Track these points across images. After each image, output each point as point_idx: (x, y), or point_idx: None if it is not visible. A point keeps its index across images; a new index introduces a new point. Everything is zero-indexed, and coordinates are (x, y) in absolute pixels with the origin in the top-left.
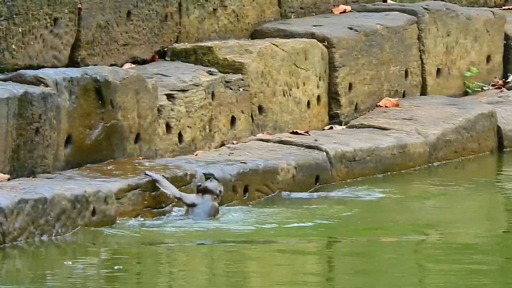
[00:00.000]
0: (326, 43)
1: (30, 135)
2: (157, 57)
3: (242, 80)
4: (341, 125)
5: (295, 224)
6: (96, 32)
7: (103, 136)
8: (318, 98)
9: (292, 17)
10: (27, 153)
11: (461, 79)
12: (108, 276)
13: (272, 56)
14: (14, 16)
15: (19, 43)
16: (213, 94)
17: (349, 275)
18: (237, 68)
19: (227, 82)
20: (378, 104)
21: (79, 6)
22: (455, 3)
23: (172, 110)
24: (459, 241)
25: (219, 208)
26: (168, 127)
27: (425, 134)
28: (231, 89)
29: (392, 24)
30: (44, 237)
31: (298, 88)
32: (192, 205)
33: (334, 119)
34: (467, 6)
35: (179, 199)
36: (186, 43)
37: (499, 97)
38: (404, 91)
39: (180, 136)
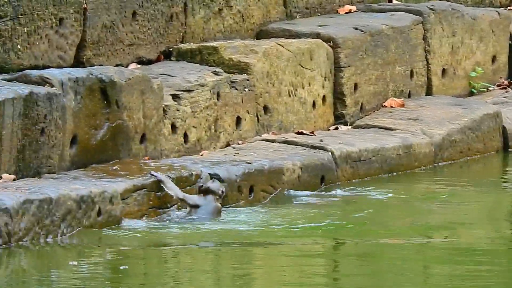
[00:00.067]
0: (331, 43)
1: (35, 135)
2: (163, 57)
3: (248, 80)
4: (347, 125)
5: (301, 226)
6: (101, 32)
7: (109, 136)
8: (324, 98)
9: (298, 17)
10: (33, 153)
11: (467, 80)
12: (113, 276)
13: (278, 56)
14: (20, 16)
15: (24, 43)
16: (218, 94)
17: (355, 277)
18: (243, 68)
19: (232, 82)
20: (383, 104)
21: (85, 6)
22: (461, 3)
23: (177, 110)
24: (464, 242)
25: (221, 208)
26: (174, 127)
27: (431, 134)
28: (236, 89)
29: (397, 24)
30: (50, 238)
31: (303, 88)
32: (196, 206)
33: (339, 119)
34: (473, 6)
35: (183, 200)
36: (192, 43)
37: (504, 97)
38: (409, 91)
39: (185, 136)
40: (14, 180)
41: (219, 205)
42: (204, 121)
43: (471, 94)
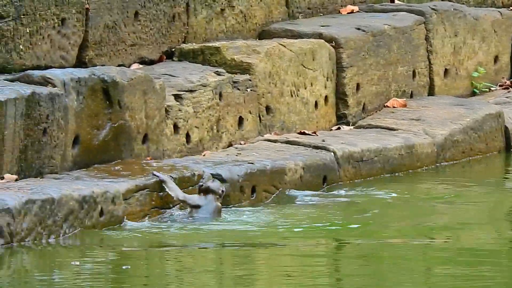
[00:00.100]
0: (333, 44)
1: (37, 135)
2: (165, 57)
3: (250, 80)
4: (349, 125)
5: (303, 226)
6: (103, 33)
7: (111, 137)
8: (326, 98)
9: (300, 17)
10: (35, 153)
11: (469, 80)
12: (115, 276)
13: (280, 57)
14: (22, 16)
15: (26, 43)
16: (220, 95)
17: (358, 277)
18: (245, 69)
19: (234, 82)
20: (385, 104)
21: (87, 6)
22: (463, 4)
23: (179, 110)
24: (466, 243)
25: (221, 208)
26: (176, 127)
27: (433, 135)
28: (238, 89)
29: (399, 24)
30: (52, 238)
31: (305, 88)
32: (196, 207)
33: (341, 119)
34: (475, 7)
35: (183, 201)
36: (194, 44)
37: (506, 97)
38: (411, 92)
39: (187, 136)
40: (16, 180)
41: (219, 204)
42: (206, 121)
43: (473, 94)
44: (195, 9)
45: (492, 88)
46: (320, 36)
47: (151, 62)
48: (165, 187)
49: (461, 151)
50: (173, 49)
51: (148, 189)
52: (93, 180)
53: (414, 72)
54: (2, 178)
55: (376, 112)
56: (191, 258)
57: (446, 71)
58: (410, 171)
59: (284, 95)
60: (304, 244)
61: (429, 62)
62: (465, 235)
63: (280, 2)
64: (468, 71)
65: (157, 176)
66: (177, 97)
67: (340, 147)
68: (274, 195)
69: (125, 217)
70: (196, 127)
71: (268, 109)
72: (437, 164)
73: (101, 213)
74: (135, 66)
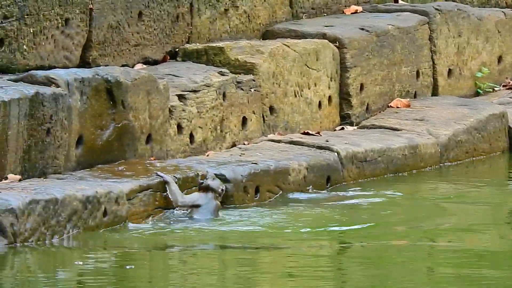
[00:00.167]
0: (337, 44)
1: (41, 135)
2: (169, 57)
3: (254, 80)
4: (352, 125)
5: (307, 227)
6: (107, 33)
7: (114, 137)
8: (329, 98)
9: (304, 17)
10: (38, 153)
11: (472, 80)
12: (119, 276)
13: (284, 57)
14: (25, 16)
15: (30, 43)
16: (224, 95)
17: (361, 279)
18: (249, 69)
19: (238, 82)
20: (389, 104)
21: (91, 6)
22: (467, 4)
23: (183, 110)
24: (470, 245)
25: (220, 206)
26: (180, 127)
27: (436, 135)
28: (242, 89)
29: (403, 24)
30: (55, 238)
31: (309, 88)
32: (196, 206)
33: (345, 119)
34: (479, 7)
35: (182, 205)
36: (198, 44)
37: (510, 97)
38: (415, 92)
39: (191, 136)
40: (20, 180)
41: (218, 203)
42: (210, 121)
43: (477, 94)
44: (199, 9)
45: (495, 89)
46: (324, 36)
47: (155, 62)
48: (167, 188)
49: (465, 152)
50: (177, 49)
51: (151, 189)
52: (96, 180)
53: (417, 72)
54: (6, 178)
55: (379, 112)
56: (194, 259)
57: (449, 71)
58: (413, 171)
59: (287, 95)
60: (307, 246)
61: (433, 62)
62: (469, 236)
63: (284, 2)
64: (471, 71)
65: (161, 177)
66: (181, 97)
67: (344, 147)
68: (278, 195)
69: (128, 218)
70: (199, 127)
71: (271, 109)
72: (441, 165)
73: (105, 213)
74: (138, 66)
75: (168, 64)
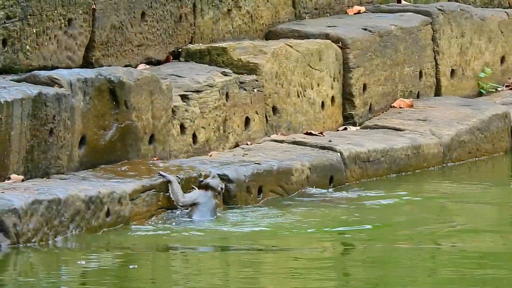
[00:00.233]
0: (340, 44)
1: (44, 136)
2: (171, 57)
3: (257, 81)
4: (355, 125)
5: (310, 227)
6: (110, 33)
7: (117, 137)
8: (332, 98)
9: (307, 17)
10: (41, 154)
11: (475, 80)
12: (122, 276)
13: (287, 57)
14: (28, 17)
15: (33, 44)
16: (227, 95)
17: (364, 281)
18: (252, 69)
19: (241, 83)
20: (392, 105)
21: (93, 6)
22: (469, 4)
23: (186, 111)
24: (473, 246)
25: (218, 205)
26: (182, 127)
27: (439, 135)
28: (245, 90)
29: (406, 25)
30: (58, 238)
31: (312, 89)
32: (196, 204)
33: (348, 119)
34: (481, 7)
35: (183, 206)
36: (201, 44)
37: None
38: (418, 92)
39: (194, 137)
40: (22, 180)
41: (217, 201)
42: (213, 121)
43: (479, 94)
44: (201, 10)
45: (498, 89)
46: (326, 36)
47: (158, 63)
48: (169, 188)
49: (468, 152)
50: (180, 50)
51: (154, 190)
52: (99, 180)
53: (420, 72)
54: (9, 178)
55: (382, 112)
56: (196, 260)
57: (452, 72)
58: (416, 171)
59: (290, 96)
60: (311, 247)
61: (436, 62)
62: (472, 237)
63: (287, 2)
64: (474, 72)
65: (164, 177)
66: (184, 97)
67: (347, 147)
68: (281, 195)
69: (131, 218)
70: (202, 127)
71: (274, 109)
72: (444, 165)
73: (108, 214)
74: (141, 66)
75: (171, 64)
